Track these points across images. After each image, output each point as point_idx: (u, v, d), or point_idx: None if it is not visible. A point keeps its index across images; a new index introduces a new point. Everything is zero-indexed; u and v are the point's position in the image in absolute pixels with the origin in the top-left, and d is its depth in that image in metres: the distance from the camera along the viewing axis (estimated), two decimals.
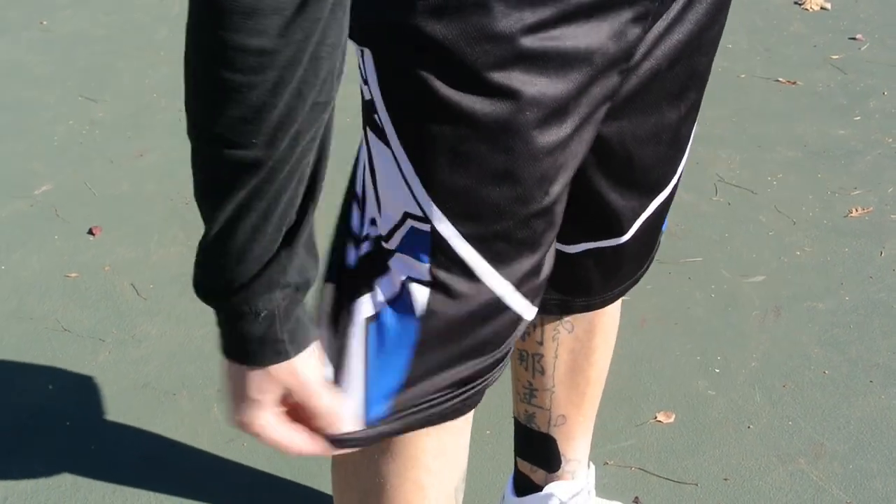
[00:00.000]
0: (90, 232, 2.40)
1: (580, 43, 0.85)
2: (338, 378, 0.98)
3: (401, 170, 0.92)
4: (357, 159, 0.99)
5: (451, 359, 0.98)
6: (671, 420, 1.83)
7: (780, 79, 3.12)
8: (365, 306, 0.96)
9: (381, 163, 0.93)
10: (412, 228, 0.93)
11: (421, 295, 0.94)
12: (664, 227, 1.23)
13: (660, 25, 0.93)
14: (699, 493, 1.69)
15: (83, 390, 1.94)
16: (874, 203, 2.44)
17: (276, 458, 1.78)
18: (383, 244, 0.95)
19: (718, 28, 1.02)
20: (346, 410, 0.94)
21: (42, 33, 3.44)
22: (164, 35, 3.39)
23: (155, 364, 2.00)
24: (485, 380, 1.03)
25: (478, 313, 0.96)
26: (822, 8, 3.68)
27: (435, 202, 0.91)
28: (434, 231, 0.92)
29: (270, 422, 0.87)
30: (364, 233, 0.98)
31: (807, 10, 3.68)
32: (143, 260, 2.30)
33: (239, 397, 0.86)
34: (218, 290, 0.81)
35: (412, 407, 0.99)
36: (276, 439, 0.88)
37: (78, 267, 2.29)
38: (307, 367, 0.85)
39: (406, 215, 0.93)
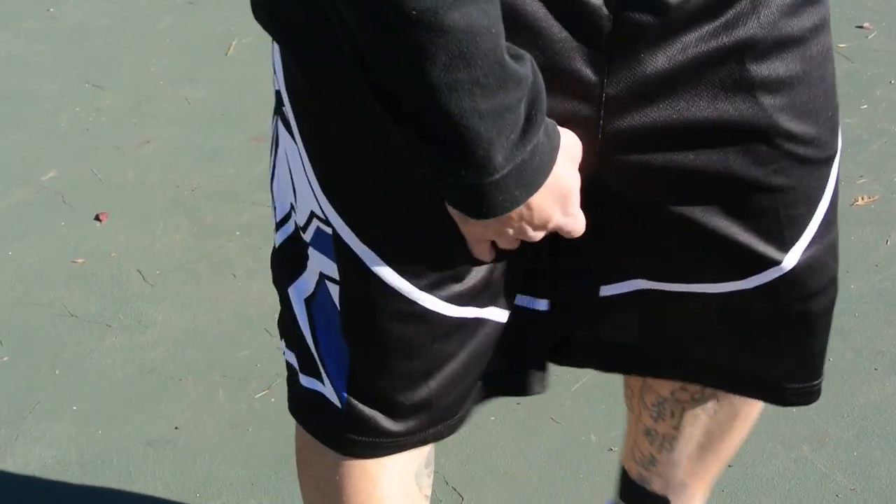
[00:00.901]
0: (97, 218, 2.41)
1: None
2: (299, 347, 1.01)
3: (304, 168, 0.91)
4: (275, 139, 0.97)
5: (384, 363, 0.95)
6: None
7: None
8: (302, 286, 0.97)
9: (291, 156, 0.93)
10: (318, 229, 0.93)
11: (334, 291, 0.94)
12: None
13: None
14: None
15: (89, 375, 1.95)
16: (880, 192, 2.44)
17: (279, 444, 1.78)
18: (301, 234, 0.95)
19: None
20: None
21: (47, 22, 3.44)
22: (168, 24, 3.40)
23: (161, 350, 2.01)
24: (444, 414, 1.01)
25: (390, 313, 0.92)
26: None
27: (335, 209, 0.90)
28: (335, 234, 0.91)
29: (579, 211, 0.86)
30: (285, 213, 0.97)
31: None
32: (149, 246, 2.31)
33: (556, 201, 0.82)
34: (512, 134, 0.74)
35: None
36: (581, 220, 0.86)
37: (84, 253, 2.29)
38: (565, 131, 0.82)
39: (312, 214, 0.92)
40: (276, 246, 1.01)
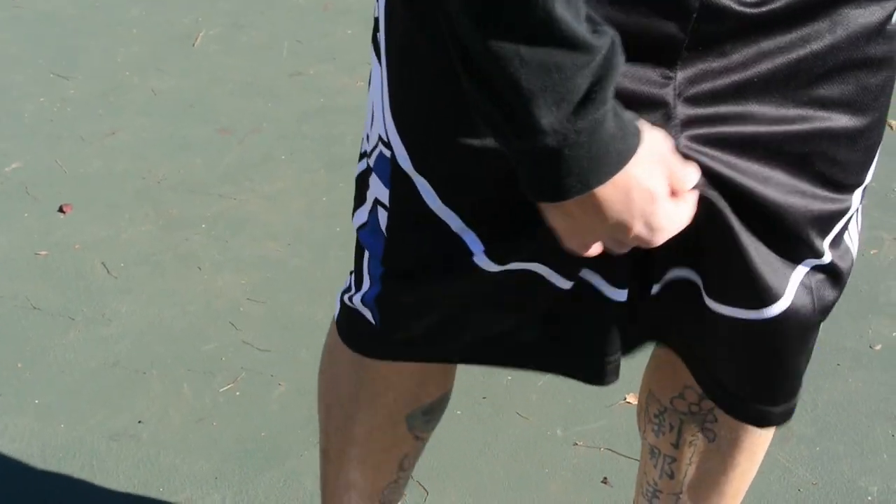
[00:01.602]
0: (60, 210, 2.39)
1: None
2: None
3: (382, 92, 0.93)
4: (371, 71, 1.02)
5: (414, 281, 1.00)
6: None
7: None
8: (359, 216, 1.02)
9: (374, 82, 0.96)
10: (380, 153, 0.96)
11: (383, 218, 0.98)
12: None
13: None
14: None
15: (52, 369, 1.93)
16: None
17: (244, 438, 1.78)
18: (367, 161, 0.99)
19: None
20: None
21: (13, 11, 3.40)
22: (137, 13, 3.37)
23: (125, 343, 1.99)
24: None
25: (431, 242, 0.95)
26: None
27: (399, 132, 0.92)
28: (394, 159, 0.94)
29: (671, 207, 0.80)
30: (363, 147, 1.02)
31: None
32: (114, 238, 2.29)
33: (636, 209, 0.78)
34: (566, 102, 0.71)
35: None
36: (682, 220, 0.81)
37: (48, 245, 2.27)
38: (655, 136, 0.78)
39: (379, 138, 0.95)
40: (355, 175, 1.05)
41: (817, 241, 0.95)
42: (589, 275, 0.95)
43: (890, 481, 1.70)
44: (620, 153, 0.74)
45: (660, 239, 0.81)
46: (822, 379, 1.90)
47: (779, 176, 0.89)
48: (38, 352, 1.97)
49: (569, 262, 0.92)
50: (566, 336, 1.03)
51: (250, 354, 1.96)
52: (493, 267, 0.93)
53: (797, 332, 1.01)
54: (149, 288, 2.14)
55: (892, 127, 2.70)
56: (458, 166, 0.90)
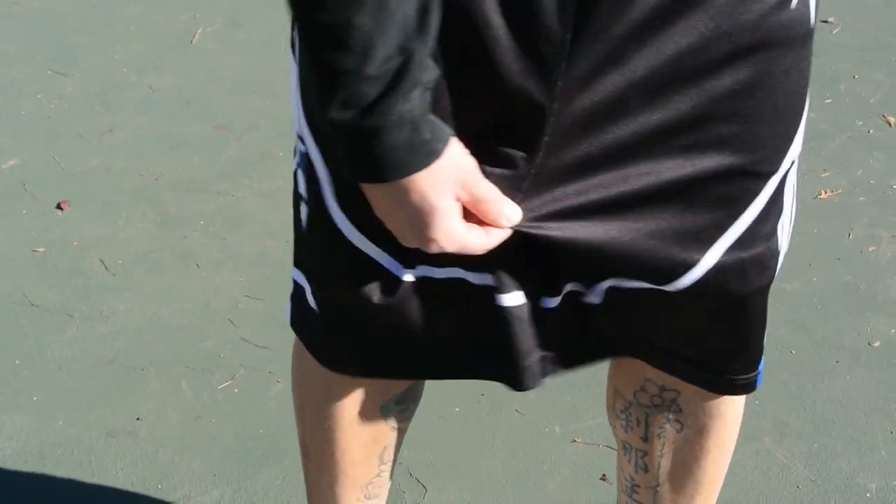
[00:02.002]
0: (58, 207, 2.38)
1: None
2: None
3: (295, 89, 0.96)
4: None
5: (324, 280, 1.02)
6: None
7: None
8: (303, 210, 1.04)
9: (292, 78, 0.98)
10: (299, 149, 0.99)
11: (304, 212, 1.00)
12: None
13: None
14: None
15: (50, 366, 1.93)
16: (843, 185, 2.46)
17: (242, 435, 1.78)
18: (295, 159, 1.02)
19: None
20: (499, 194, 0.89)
21: (11, 8, 3.40)
22: (135, 11, 3.36)
23: (123, 340, 1.99)
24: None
25: (325, 239, 0.98)
26: None
27: (308, 129, 0.95)
28: (306, 152, 0.96)
29: (455, 226, 0.85)
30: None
31: None
32: (112, 236, 2.29)
33: (418, 215, 0.84)
34: (350, 105, 0.77)
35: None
36: (464, 242, 0.87)
37: (46, 242, 2.27)
38: (461, 156, 0.84)
39: (298, 136, 0.99)
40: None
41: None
42: (488, 279, 0.97)
43: (888, 478, 1.70)
44: (404, 164, 0.80)
45: (434, 249, 0.87)
46: (820, 376, 1.90)
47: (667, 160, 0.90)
48: (36, 349, 1.97)
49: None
50: (476, 342, 1.03)
51: (248, 352, 1.96)
52: (402, 273, 0.96)
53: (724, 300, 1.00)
54: (147, 285, 2.14)
55: (890, 124, 2.70)
56: None
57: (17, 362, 1.94)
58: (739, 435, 1.75)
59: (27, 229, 2.31)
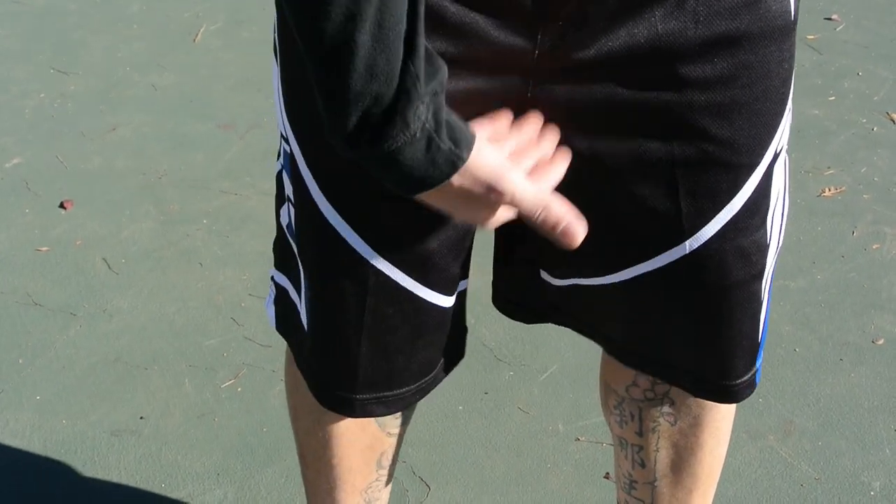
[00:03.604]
0: (61, 206, 2.38)
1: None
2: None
3: (278, 90, 0.97)
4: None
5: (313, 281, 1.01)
6: None
7: None
8: (283, 216, 1.04)
9: (274, 79, 0.99)
10: (284, 150, 0.99)
11: (292, 214, 1.00)
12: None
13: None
14: None
15: (54, 364, 1.93)
16: (847, 183, 2.45)
17: (246, 434, 1.77)
18: (280, 160, 1.02)
19: None
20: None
21: (14, 6, 3.40)
22: (137, 9, 3.36)
23: (126, 338, 1.99)
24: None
25: (313, 237, 0.98)
26: None
27: (292, 129, 0.95)
28: (292, 155, 0.96)
29: (521, 180, 0.84)
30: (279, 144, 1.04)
31: None
32: (115, 234, 2.29)
33: (468, 208, 0.85)
34: (362, 131, 0.75)
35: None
36: (533, 198, 0.85)
37: (49, 241, 2.27)
38: (486, 158, 0.82)
39: (282, 136, 0.99)
40: (277, 170, 1.06)
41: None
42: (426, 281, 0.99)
43: (892, 476, 1.69)
44: (431, 178, 0.79)
45: (507, 216, 0.86)
46: (824, 374, 1.89)
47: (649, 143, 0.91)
48: (40, 347, 1.97)
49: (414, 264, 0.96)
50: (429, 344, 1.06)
51: (252, 350, 1.96)
52: (381, 265, 0.96)
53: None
54: (150, 284, 2.14)
55: (894, 121, 2.70)
56: (338, 163, 0.89)
57: (20, 361, 1.94)
58: (743, 433, 1.75)
59: (30, 228, 2.31)
